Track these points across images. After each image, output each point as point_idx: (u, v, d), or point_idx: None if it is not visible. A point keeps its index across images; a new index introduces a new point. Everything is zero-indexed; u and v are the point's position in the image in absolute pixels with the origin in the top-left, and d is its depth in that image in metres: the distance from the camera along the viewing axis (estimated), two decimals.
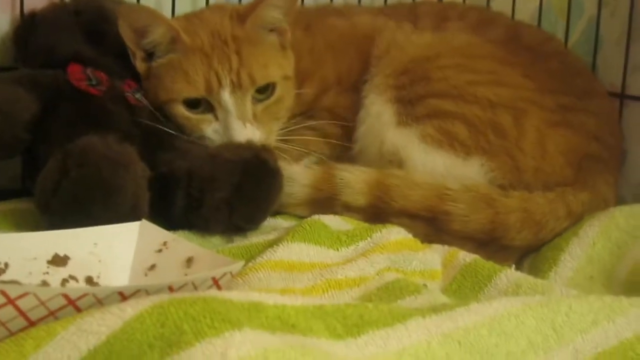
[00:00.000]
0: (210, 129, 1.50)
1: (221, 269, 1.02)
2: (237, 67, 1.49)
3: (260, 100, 1.52)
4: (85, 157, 1.24)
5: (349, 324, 0.93)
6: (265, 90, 1.53)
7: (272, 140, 1.54)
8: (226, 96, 1.48)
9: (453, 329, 0.95)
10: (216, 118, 1.50)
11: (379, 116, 1.56)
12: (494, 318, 0.97)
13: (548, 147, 1.51)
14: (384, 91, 1.57)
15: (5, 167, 1.63)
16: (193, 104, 1.51)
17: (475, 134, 1.49)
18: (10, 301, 0.88)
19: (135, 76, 1.54)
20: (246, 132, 1.48)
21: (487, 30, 1.70)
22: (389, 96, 1.56)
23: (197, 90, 1.49)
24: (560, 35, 2.00)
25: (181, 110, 1.51)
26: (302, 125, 1.59)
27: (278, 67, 1.55)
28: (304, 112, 1.62)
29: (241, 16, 1.55)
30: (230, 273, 1.04)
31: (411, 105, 1.54)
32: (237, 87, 1.48)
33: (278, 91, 1.54)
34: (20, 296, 0.88)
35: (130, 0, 1.66)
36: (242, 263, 1.08)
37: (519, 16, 2.00)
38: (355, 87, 1.63)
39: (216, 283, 1.02)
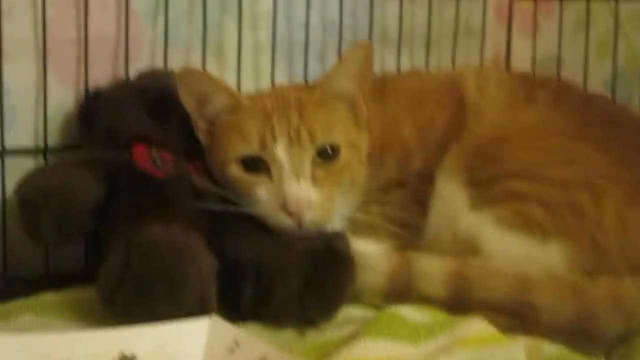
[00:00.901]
0: (264, 191, 1.42)
1: None
2: (297, 123, 1.43)
3: (322, 166, 1.45)
4: (149, 250, 1.20)
5: None
6: (328, 156, 1.45)
7: (333, 210, 1.45)
8: (280, 151, 1.41)
9: None
10: (270, 179, 1.43)
11: (451, 200, 1.49)
12: None
13: (630, 226, 1.42)
14: (456, 174, 1.50)
15: (68, 249, 1.59)
16: (248, 164, 1.44)
17: (552, 215, 1.41)
18: None
19: (203, 157, 1.49)
20: (300, 189, 1.40)
21: (563, 104, 1.62)
22: (461, 179, 1.49)
23: (250, 147, 1.43)
24: (636, 103, 1.92)
25: (235, 171, 1.44)
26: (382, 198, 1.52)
27: (344, 131, 1.48)
28: (389, 186, 1.55)
29: (310, 87, 1.51)
30: None
31: (484, 188, 1.47)
32: (294, 142, 1.42)
33: (343, 156, 1.46)
34: None
35: None
36: None
37: (591, 84, 1.93)
38: (449, 143, 1.56)
39: None
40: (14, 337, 1.10)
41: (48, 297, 1.37)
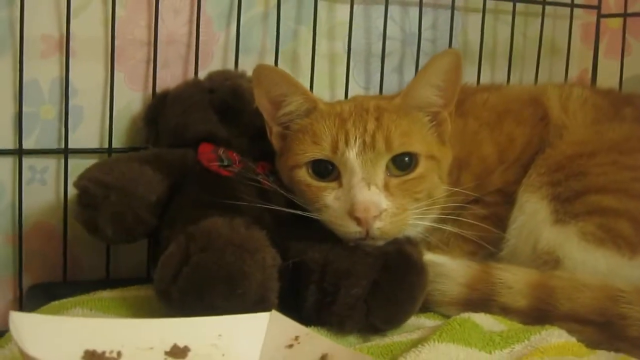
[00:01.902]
0: (332, 196, 1.34)
1: None
2: (374, 130, 1.35)
3: (397, 176, 1.36)
4: (208, 242, 1.14)
5: None
6: (404, 166, 1.36)
7: (405, 222, 1.35)
8: (352, 156, 1.33)
9: None
10: (340, 185, 1.35)
11: (533, 214, 1.42)
12: None
13: None
14: (539, 188, 1.43)
15: (130, 253, 1.54)
16: (319, 169, 1.36)
17: None
18: None
19: (270, 159, 1.43)
20: (370, 194, 1.31)
21: None
22: (544, 193, 1.42)
23: (322, 150, 1.35)
24: None
25: (304, 176, 1.36)
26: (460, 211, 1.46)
27: (423, 142, 1.39)
28: (467, 203, 1.48)
29: (392, 96, 1.43)
30: None
31: (568, 203, 1.40)
32: (369, 148, 1.33)
33: (420, 168, 1.37)
34: None
35: None
36: None
37: None
38: (529, 159, 1.49)
39: None
40: (63, 319, 1.05)
41: (104, 294, 1.33)
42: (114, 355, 0.99)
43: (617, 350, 1.22)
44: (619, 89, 1.93)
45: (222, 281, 1.11)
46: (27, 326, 0.94)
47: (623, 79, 1.95)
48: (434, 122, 1.42)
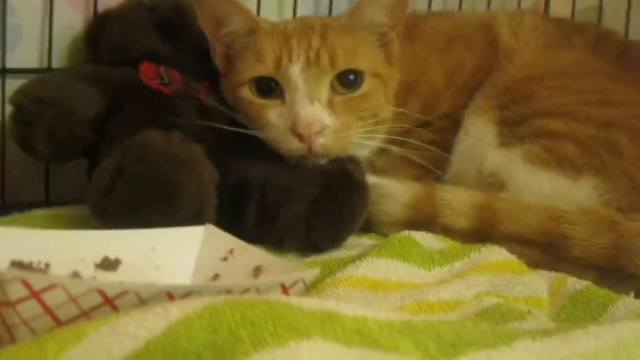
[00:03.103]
0: (275, 113, 1.33)
1: (292, 274, 0.86)
2: (318, 46, 1.33)
3: (342, 94, 1.35)
4: (143, 154, 1.10)
5: (443, 342, 0.77)
6: (349, 84, 1.35)
7: (349, 139, 1.35)
8: (295, 72, 1.31)
9: (571, 355, 0.79)
10: (283, 102, 1.33)
11: (479, 137, 1.41)
12: (620, 343, 0.82)
13: None
14: (485, 112, 1.42)
15: (71, 175, 1.51)
16: (262, 87, 1.35)
17: (587, 153, 1.33)
18: (34, 294, 0.74)
19: (213, 78, 1.40)
20: (313, 110, 1.30)
21: (601, 48, 1.54)
22: (491, 117, 1.41)
23: (264, 67, 1.33)
24: None
25: (247, 93, 1.35)
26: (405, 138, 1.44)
27: (369, 60, 1.38)
28: (414, 127, 1.47)
29: (339, 16, 1.41)
30: (303, 281, 0.88)
31: (515, 126, 1.39)
32: (313, 65, 1.32)
33: (365, 86, 1.36)
34: (46, 288, 0.74)
35: None
36: (317, 270, 0.93)
37: (633, 33, 1.86)
38: (478, 84, 1.48)
39: (285, 291, 0.87)
40: None
41: (39, 212, 1.30)
42: (42, 266, 0.96)
43: (558, 271, 1.22)
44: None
45: (158, 194, 1.08)
46: None
47: (575, 10, 1.93)
48: (381, 43, 1.40)
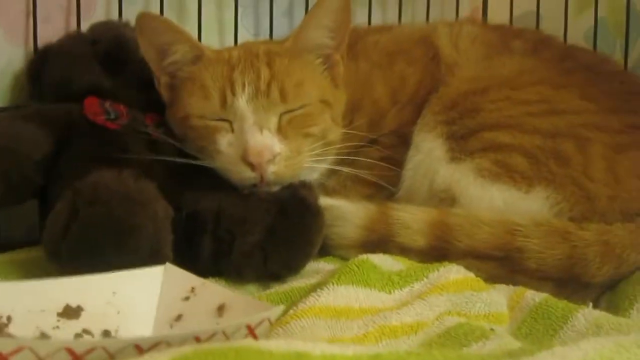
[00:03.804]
0: (224, 142, 1.32)
1: (257, 314, 0.86)
2: (269, 78, 1.33)
3: (289, 117, 1.35)
4: (96, 195, 1.10)
5: None
6: (295, 110, 1.36)
7: (300, 165, 1.35)
8: (242, 104, 1.31)
9: None
10: (232, 130, 1.33)
11: (429, 153, 1.42)
12: None
13: (620, 172, 1.35)
14: (434, 127, 1.43)
15: (21, 216, 1.49)
16: (210, 119, 1.34)
17: (536, 164, 1.35)
18: (2, 358, 0.72)
19: (159, 109, 1.39)
20: (263, 138, 1.30)
21: (541, 53, 1.56)
22: (439, 132, 1.42)
23: (211, 106, 1.33)
24: (619, 56, 1.85)
25: (195, 122, 1.34)
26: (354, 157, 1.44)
27: (316, 88, 1.38)
28: (363, 145, 1.47)
29: (282, 41, 1.41)
30: (269, 320, 0.88)
31: (463, 140, 1.40)
32: (262, 95, 1.32)
33: (312, 109, 1.37)
34: (15, 351, 0.73)
35: None
36: (281, 308, 0.94)
37: (571, 38, 1.87)
38: (423, 99, 1.48)
39: (252, 332, 0.87)
40: None
41: None
42: (4, 320, 0.95)
43: (515, 284, 1.24)
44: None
45: (113, 235, 1.08)
46: None
47: (513, 16, 1.96)
48: (326, 65, 1.40)
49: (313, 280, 1.19)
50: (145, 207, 1.11)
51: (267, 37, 1.75)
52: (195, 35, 1.63)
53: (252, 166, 1.28)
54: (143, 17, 1.35)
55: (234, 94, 1.31)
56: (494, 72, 1.49)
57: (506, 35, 1.60)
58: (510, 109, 1.41)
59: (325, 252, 1.32)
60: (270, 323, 0.89)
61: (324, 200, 1.33)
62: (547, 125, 1.37)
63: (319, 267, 1.28)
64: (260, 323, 0.87)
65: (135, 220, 1.09)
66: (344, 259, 1.31)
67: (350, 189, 1.44)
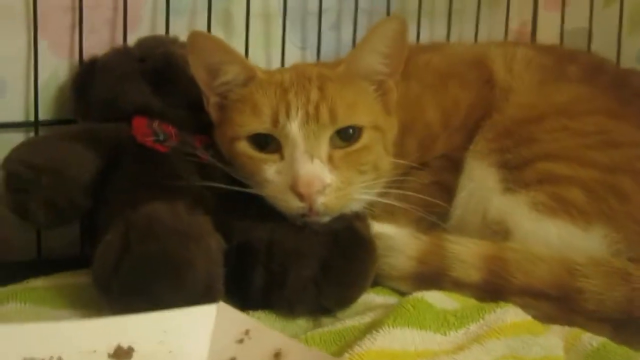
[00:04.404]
0: (273, 170, 1.28)
1: None
2: (317, 100, 1.29)
3: (341, 147, 1.31)
4: (150, 230, 1.07)
5: None
6: (348, 137, 1.31)
7: (350, 196, 1.30)
8: (294, 128, 1.27)
9: None
10: (282, 157, 1.29)
11: (482, 182, 1.38)
12: None
13: None
14: (487, 155, 1.39)
15: (62, 231, 1.46)
16: (259, 142, 1.31)
17: (594, 200, 1.31)
18: None
19: (207, 130, 1.37)
20: (313, 167, 1.26)
21: (597, 78, 1.52)
22: (492, 160, 1.38)
23: (262, 123, 1.29)
24: None
25: (244, 148, 1.31)
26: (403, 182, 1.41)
27: (368, 112, 1.34)
28: (410, 169, 1.44)
29: (334, 64, 1.38)
30: None
31: (518, 170, 1.36)
32: (312, 120, 1.28)
33: (365, 138, 1.32)
34: None
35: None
36: None
37: (624, 56, 1.84)
38: (475, 123, 1.45)
39: None
40: None
41: (38, 283, 1.25)
42: None
43: (571, 324, 1.20)
44: (560, 43, 1.89)
45: (167, 272, 1.05)
46: None
47: (564, 31, 1.91)
48: (379, 92, 1.37)
49: (367, 319, 1.16)
50: (199, 244, 1.08)
51: (315, 51, 1.72)
52: (242, 49, 1.60)
53: (301, 196, 1.24)
54: (195, 36, 1.32)
55: (288, 116, 1.28)
56: (550, 100, 1.45)
57: (561, 59, 1.56)
58: (567, 140, 1.37)
59: (375, 282, 1.28)
60: None
61: (375, 227, 1.30)
62: (605, 159, 1.33)
63: (368, 298, 1.25)
64: None
65: (189, 258, 1.06)
66: (395, 290, 1.29)
67: (398, 214, 1.40)
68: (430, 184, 1.43)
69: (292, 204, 1.25)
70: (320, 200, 1.25)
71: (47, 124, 1.49)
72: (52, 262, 1.44)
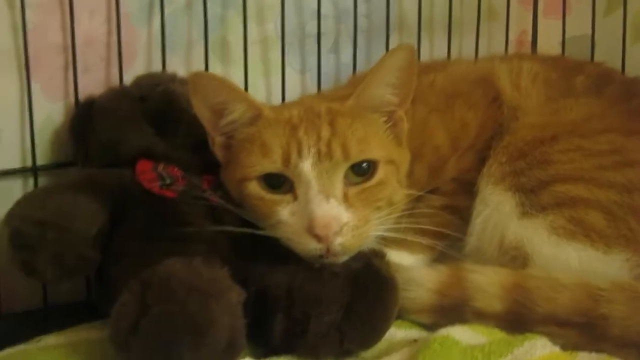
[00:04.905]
0: (287, 211, 1.25)
1: None
2: (329, 137, 1.26)
3: (356, 184, 1.28)
4: (168, 290, 1.03)
5: None
6: (363, 172, 1.28)
7: (367, 234, 1.27)
8: (307, 167, 1.23)
9: None
10: (295, 198, 1.25)
11: (498, 207, 1.35)
12: None
13: None
14: (501, 179, 1.36)
15: None
16: (271, 183, 1.27)
17: (614, 222, 1.28)
18: None
19: (214, 170, 1.33)
20: (329, 208, 1.22)
21: (604, 90, 1.49)
22: (508, 185, 1.35)
23: (272, 163, 1.25)
24: None
25: (255, 189, 1.27)
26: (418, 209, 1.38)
27: (381, 146, 1.31)
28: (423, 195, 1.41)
29: (343, 97, 1.34)
30: None
31: (534, 194, 1.33)
32: (325, 158, 1.24)
33: (380, 174, 1.29)
34: None
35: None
36: None
37: (629, 65, 1.81)
38: (484, 144, 1.43)
39: None
40: None
41: (50, 341, 1.21)
42: None
43: (598, 351, 1.18)
44: (562, 51, 1.86)
45: (189, 332, 1.01)
46: None
47: (565, 38, 1.88)
48: (389, 123, 1.33)
49: (393, 358, 1.14)
50: (220, 300, 1.04)
51: (315, 74, 1.70)
52: (241, 77, 1.58)
53: (318, 238, 1.20)
54: (197, 77, 1.29)
55: (300, 155, 1.24)
56: (561, 118, 1.42)
57: (567, 71, 1.53)
58: (582, 161, 1.34)
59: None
60: None
61: (392, 257, 1.27)
62: (622, 179, 1.31)
63: (390, 333, 1.21)
64: None
65: (210, 316, 1.02)
66: (415, 322, 1.26)
67: (412, 240, 1.37)
68: (442, 207, 1.40)
69: (308, 246, 1.21)
70: (338, 241, 1.21)
71: (45, 168, 1.46)
72: (59, 309, 1.44)
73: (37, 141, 1.44)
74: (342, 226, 1.21)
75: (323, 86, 1.69)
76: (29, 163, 1.44)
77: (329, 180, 1.23)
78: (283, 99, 1.63)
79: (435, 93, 1.49)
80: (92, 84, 1.47)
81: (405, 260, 1.34)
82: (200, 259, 1.09)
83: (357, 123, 1.28)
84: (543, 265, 1.28)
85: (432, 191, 1.43)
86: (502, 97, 1.47)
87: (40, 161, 1.45)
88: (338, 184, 1.24)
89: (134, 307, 1.03)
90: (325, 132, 1.26)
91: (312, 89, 1.70)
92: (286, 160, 1.24)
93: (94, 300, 1.37)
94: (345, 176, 1.26)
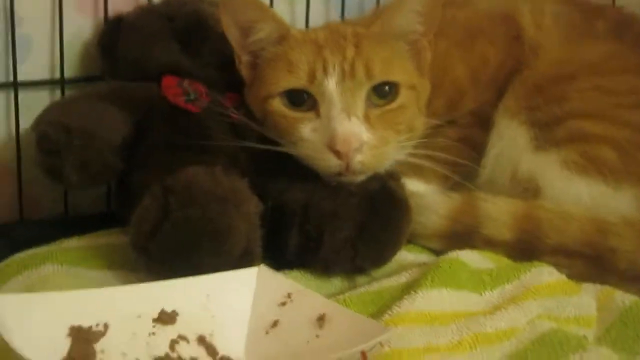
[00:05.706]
0: (309, 128, 1.27)
1: (371, 341, 0.85)
2: (353, 56, 1.28)
3: (378, 106, 1.30)
4: (189, 195, 1.06)
5: None
6: (384, 95, 1.30)
7: (387, 155, 1.30)
8: (331, 85, 1.26)
9: None
10: (317, 115, 1.28)
11: (512, 140, 1.38)
12: None
13: None
14: (517, 113, 1.38)
15: None
16: (294, 99, 1.29)
17: (626, 159, 1.31)
18: None
19: (237, 89, 1.35)
20: (350, 125, 1.24)
21: (625, 34, 1.51)
22: (523, 118, 1.38)
23: (297, 80, 1.28)
24: None
25: (278, 106, 1.29)
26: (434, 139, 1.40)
27: (403, 71, 1.32)
28: (440, 125, 1.43)
29: (366, 23, 1.37)
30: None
31: (549, 128, 1.36)
32: (348, 77, 1.26)
33: (401, 98, 1.31)
34: None
35: None
36: (391, 331, 0.91)
37: None
38: (504, 79, 1.45)
39: (365, 357, 0.85)
40: (41, 295, 0.98)
41: (72, 243, 1.25)
42: (101, 328, 0.94)
43: (603, 283, 1.22)
44: None
45: (208, 237, 1.05)
46: (9, 308, 0.89)
47: None
48: (413, 51, 1.35)
49: (403, 279, 1.17)
50: (240, 209, 1.08)
51: (339, 5, 1.71)
52: (266, 4, 1.58)
53: (338, 154, 1.23)
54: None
55: (325, 73, 1.26)
56: (581, 58, 1.44)
57: (588, 14, 1.54)
58: (599, 99, 1.36)
59: (407, 240, 1.28)
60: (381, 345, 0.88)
61: (407, 185, 1.31)
62: (637, 119, 1.34)
63: (401, 256, 1.26)
64: (373, 347, 0.86)
65: (230, 223, 1.06)
66: (426, 247, 1.31)
67: (427, 169, 1.40)
68: (458, 139, 1.42)
69: (328, 162, 1.24)
70: (358, 158, 1.23)
71: (73, 81, 1.48)
72: (80, 218, 1.47)
73: (66, 54, 1.46)
74: (362, 144, 1.23)
75: (346, 16, 1.70)
76: (57, 75, 1.46)
77: (352, 99, 1.26)
78: (307, 27, 1.64)
79: (457, 28, 1.50)
80: (121, 1, 1.49)
81: (419, 189, 1.37)
82: (221, 168, 1.12)
83: (381, 46, 1.30)
84: (554, 198, 1.31)
85: (450, 124, 1.45)
86: (523, 35, 1.49)
87: (68, 74, 1.47)
88: (360, 103, 1.26)
89: (155, 211, 1.07)
90: (350, 53, 1.28)
91: (336, 19, 1.70)
92: (311, 77, 1.27)
93: (114, 212, 1.40)
94: (368, 97, 1.28)
